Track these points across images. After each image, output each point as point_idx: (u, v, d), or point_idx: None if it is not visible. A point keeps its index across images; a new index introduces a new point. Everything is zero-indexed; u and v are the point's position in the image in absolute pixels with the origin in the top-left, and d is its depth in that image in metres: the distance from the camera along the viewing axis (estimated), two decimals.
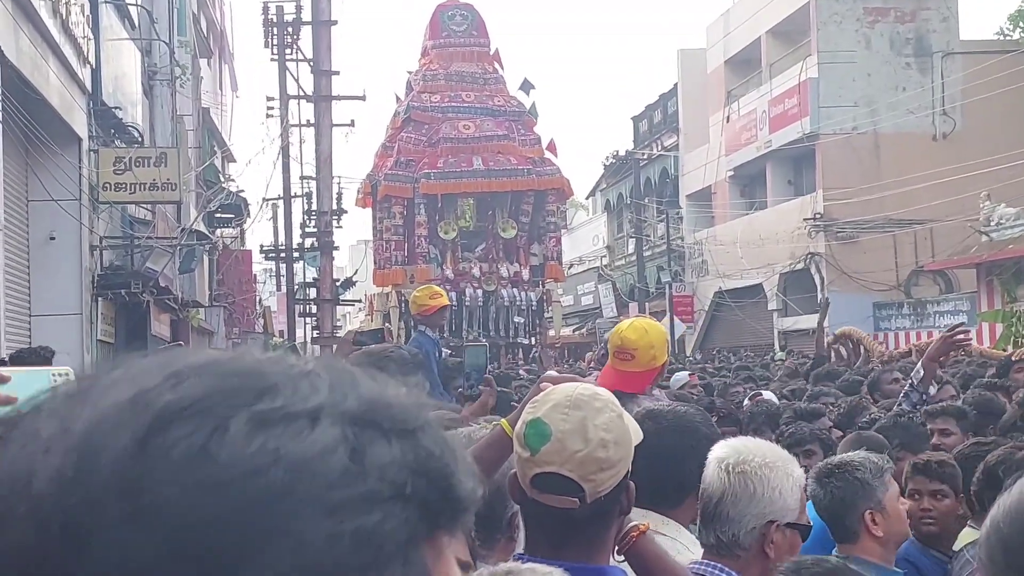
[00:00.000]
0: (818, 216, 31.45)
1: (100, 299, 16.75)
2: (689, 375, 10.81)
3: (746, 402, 8.16)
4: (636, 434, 2.46)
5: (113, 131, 17.51)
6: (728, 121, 37.17)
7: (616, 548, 2.47)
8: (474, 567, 2.12)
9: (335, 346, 21.31)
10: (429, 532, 0.70)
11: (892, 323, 29.19)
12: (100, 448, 0.64)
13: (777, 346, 30.39)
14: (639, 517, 3.20)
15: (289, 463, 0.64)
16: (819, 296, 31.69)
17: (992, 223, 25.51)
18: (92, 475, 0.63)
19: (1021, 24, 33.06)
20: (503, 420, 2.68)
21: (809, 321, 31.74)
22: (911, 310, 29.14)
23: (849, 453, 4.08)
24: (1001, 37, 33.61)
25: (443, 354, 7.68)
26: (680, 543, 3.10)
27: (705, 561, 2.87)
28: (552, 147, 29.57)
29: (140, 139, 18.26)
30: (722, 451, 2.97)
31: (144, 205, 18.36)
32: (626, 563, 2.52)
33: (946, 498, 4.15)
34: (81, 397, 0.68)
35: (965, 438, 5.28)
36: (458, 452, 0.73)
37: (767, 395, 8.35)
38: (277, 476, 0.64)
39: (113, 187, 16.40)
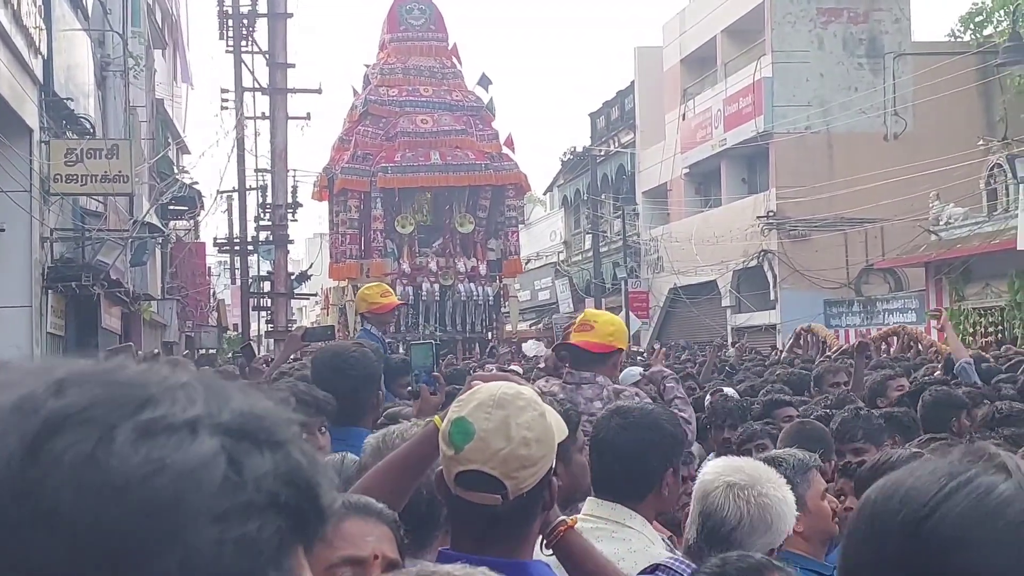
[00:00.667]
0: (771, 214, 31.70)
1: (50, 292, 16.63)
2: (641, 373, 10.81)
3: (707, 398, 8.11)
4: (560, 431, 2.50)
5: (65, 122, 17.37)
6: (684, 119, 37.36)
7: (544, 542, 2.52)
8: (403, 565, 2.15)
9: (284, 342, 21.24)
10: (298, 539, 0.73)
11: (842, 320, 29.47)
12: None
13: (730, 342, 30.60)
14: (608, 511, 3.31)
15: (174, 472, 0.66)
16: (772, 293, 31.99)
17: (941, 223, 25.83)
18: None
19: (972, 26, 33.43)
20: (435, 417, 2.72)
21: (762, 318, 32.05)
22: (861, 308, 29.44)
23: (780, 450, 4.14)
24: (952, 39, 33.97)
25: (388, 352, 7.68)
26: (645, 536, 3.18)
27: (676, 557, 2.95)
28: (510, 142, 29.64)
29: (92, 130, 18.11)
30: (731, 474, 3.01)
31: (96, 197, 18.23)
32: (554, 557, 2.57)
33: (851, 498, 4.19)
34: None
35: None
36: (321, 464, 0.76)
37: (728, 391, 8.38)
38: (163, 484, 0.66)
39: (64, 179, 16.29)
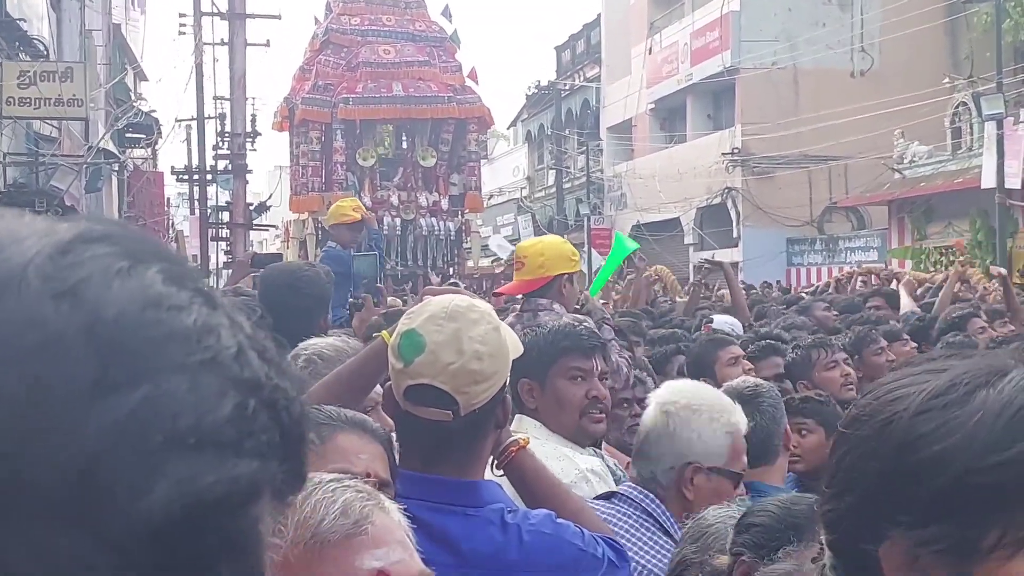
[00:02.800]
0: (736, 151, 31.63)
1: None
2: (603, 303, 10.76)
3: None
4: (515, 348, 2.40)
5: (18, 44, 17.00)
6: (650, 53, 37.11)
7: (495, 462, 2.42)
8: (394, 487, 2.06)
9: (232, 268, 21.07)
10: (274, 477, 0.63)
11: (804, 259, 29.58)
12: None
13: (692, 280, 30.68)
14: (515, 423, 3.27)
15: (195, 320, 0.59)
16: (735, 231, 32.00)
17: (905, 161, 25.87)
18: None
19: None
20: (384, 331, 2.61)
21: (724, 255, 32.05)
22: (823, 246, 29.55)
23: (749, 378, 4.05)
24: None
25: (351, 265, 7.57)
26: (551, 443, 3.19)
27: (633, 486, 2.89)
28: (473, 75, 29.32)
29: (46, 53, 17.76)
30: (663, 392, 2.98)
31: (50, 121, 17.91)
32: (505, 477, 2.48)
33: (811, 433, 4.04)
34: None
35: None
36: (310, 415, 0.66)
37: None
38: (185, 323, 0.59)
39: (17, 102, 16.00)
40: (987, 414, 0.99)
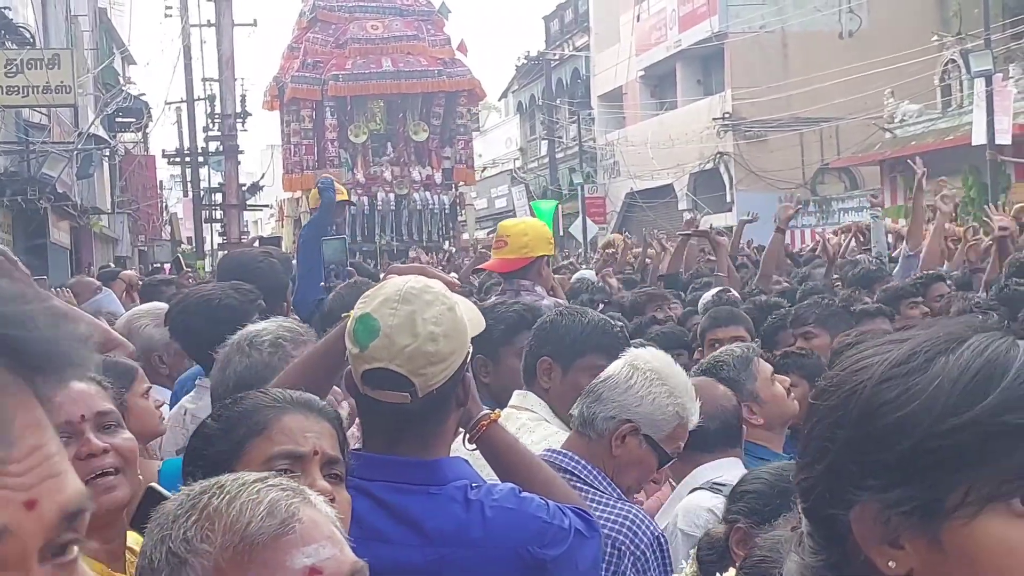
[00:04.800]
0: (727, 116, 31.57)
1: None
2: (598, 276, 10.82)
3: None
4: (475, 325, 2.41)
5: (3, 32, 16.97)
6: (638, 20, 36.96)
7: (468, 437, 2.45)
8: (344, 463, 2.09)
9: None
10: None
11: (798, 220, 29.46)
12: None
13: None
14: (520, 399, 3.36)
15: None
16: (728, 195, 31.98)
17: (896, 120, 25.83)
18: None
19: None
20: (351, 312, 2.63)
21: (718, 220, 32.01)
22: (816, 208, 29.52)
23: (720, 351, 4.06)
24: None
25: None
26: (548, 421, 3.24)
27: (552, 450, 2.90)
28: (463, 48, 29.27)
29: (32, 40, 17.72)
30: (641, 351, 3.02)
31: (39, 109, 17.90)
32: (478, 451, 2.49)
33: (796, 387, 4.00)
34: None
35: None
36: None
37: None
38: None
39: (5, 90, 16.00)
40: (946, 379, 1.03)
